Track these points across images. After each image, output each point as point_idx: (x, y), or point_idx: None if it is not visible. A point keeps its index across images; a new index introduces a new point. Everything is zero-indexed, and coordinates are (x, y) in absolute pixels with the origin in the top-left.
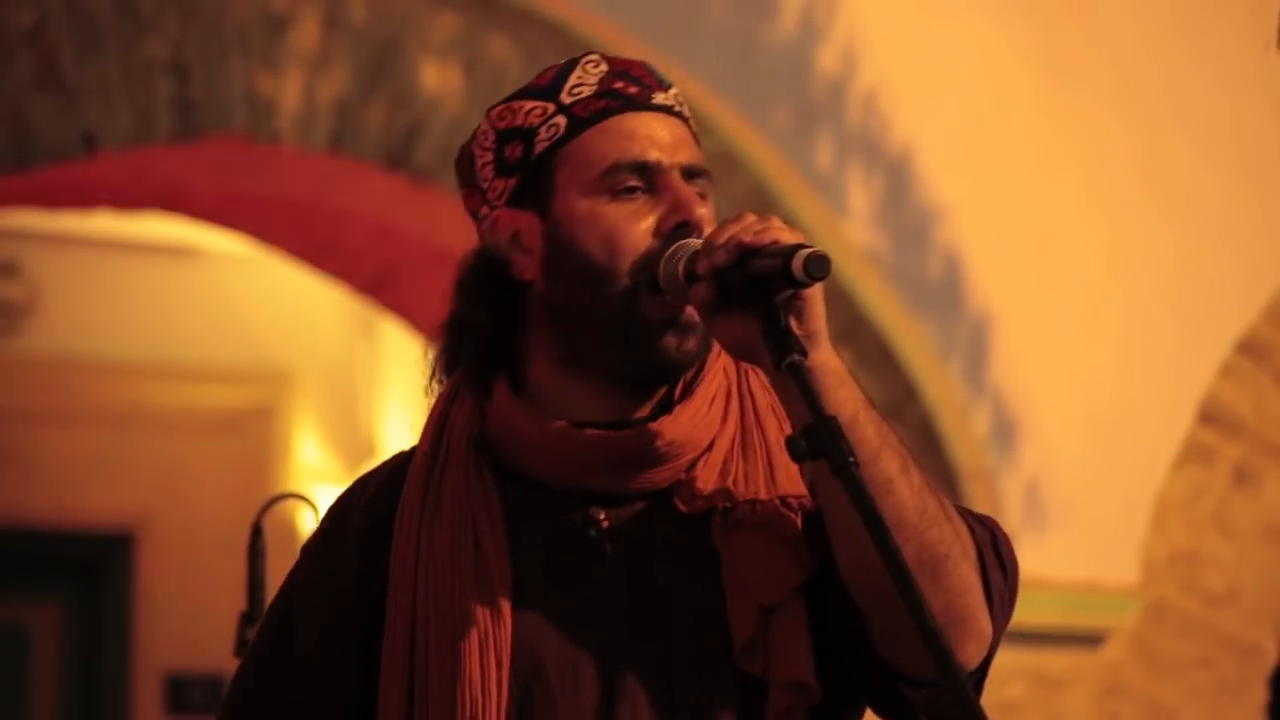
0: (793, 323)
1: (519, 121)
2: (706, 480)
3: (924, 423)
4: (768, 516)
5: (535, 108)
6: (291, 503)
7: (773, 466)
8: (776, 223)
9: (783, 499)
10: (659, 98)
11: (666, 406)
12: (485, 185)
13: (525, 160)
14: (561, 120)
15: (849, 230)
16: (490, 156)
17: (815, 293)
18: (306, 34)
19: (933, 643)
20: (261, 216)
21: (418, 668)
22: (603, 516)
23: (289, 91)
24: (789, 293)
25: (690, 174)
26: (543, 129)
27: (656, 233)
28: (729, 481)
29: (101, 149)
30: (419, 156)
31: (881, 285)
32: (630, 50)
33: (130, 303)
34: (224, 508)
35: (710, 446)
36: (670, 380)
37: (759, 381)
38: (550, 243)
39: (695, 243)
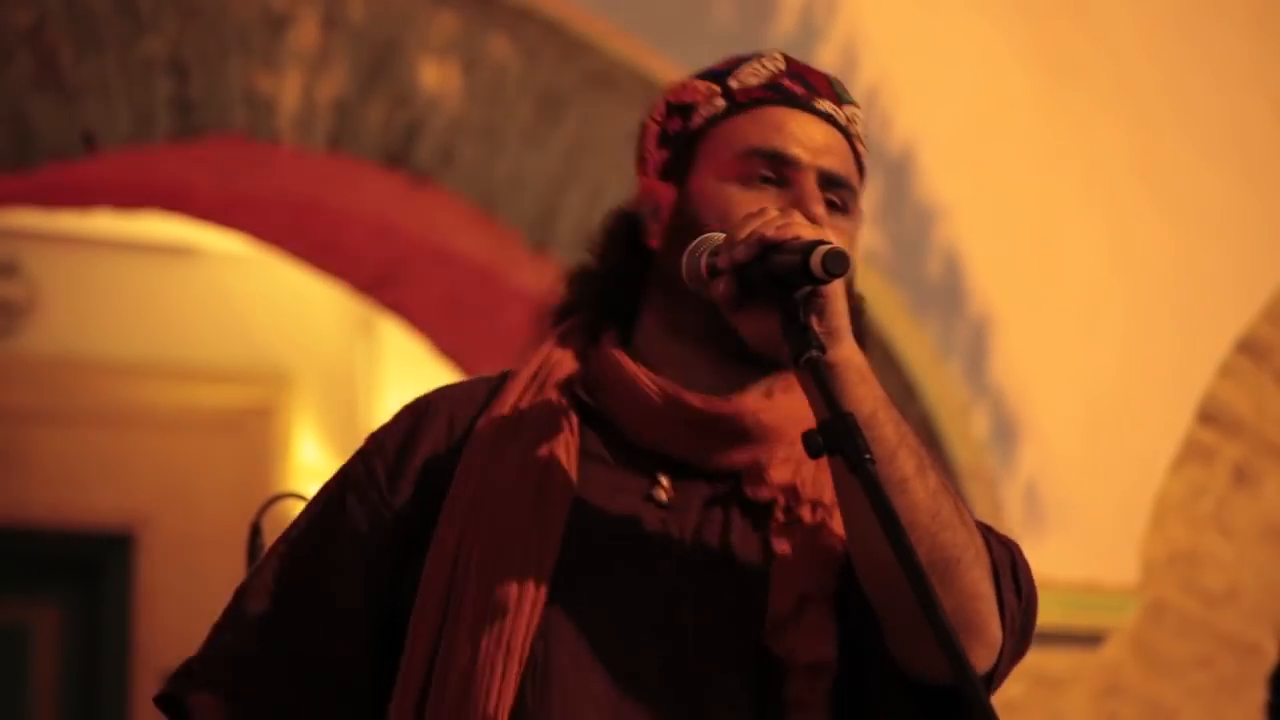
0: (813, 319)
1: (686, 97)
2: (780, 473)
3: (924, 422)
4: (826, 519)
5: (704, 86)
6: (291, 502)
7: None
8: (798, 218)
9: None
10: (824, 105)
11: (771, 394)
12: (648, 156)
13: (681, 132)
14: (721, 101)
15: None
16: (657, 128)
17: (836, 289)
18: (306, 33)
19: (946, 641)
20: (261, 216)
21: (456, 583)
22: (665, 484)
23: (288, 91)
24: (809, 289)
25: (831, 181)
26: (702, 106)
27: None
28: (798, 479)
29: (101, 148)
30: (418, 156)
31: (881, 285)
32: (629, 49)
33: (130, 302)
34: (224, 507)
35: (791, 442)
36: (768, 365)
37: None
38: (677, 214)
39: (718, 236)
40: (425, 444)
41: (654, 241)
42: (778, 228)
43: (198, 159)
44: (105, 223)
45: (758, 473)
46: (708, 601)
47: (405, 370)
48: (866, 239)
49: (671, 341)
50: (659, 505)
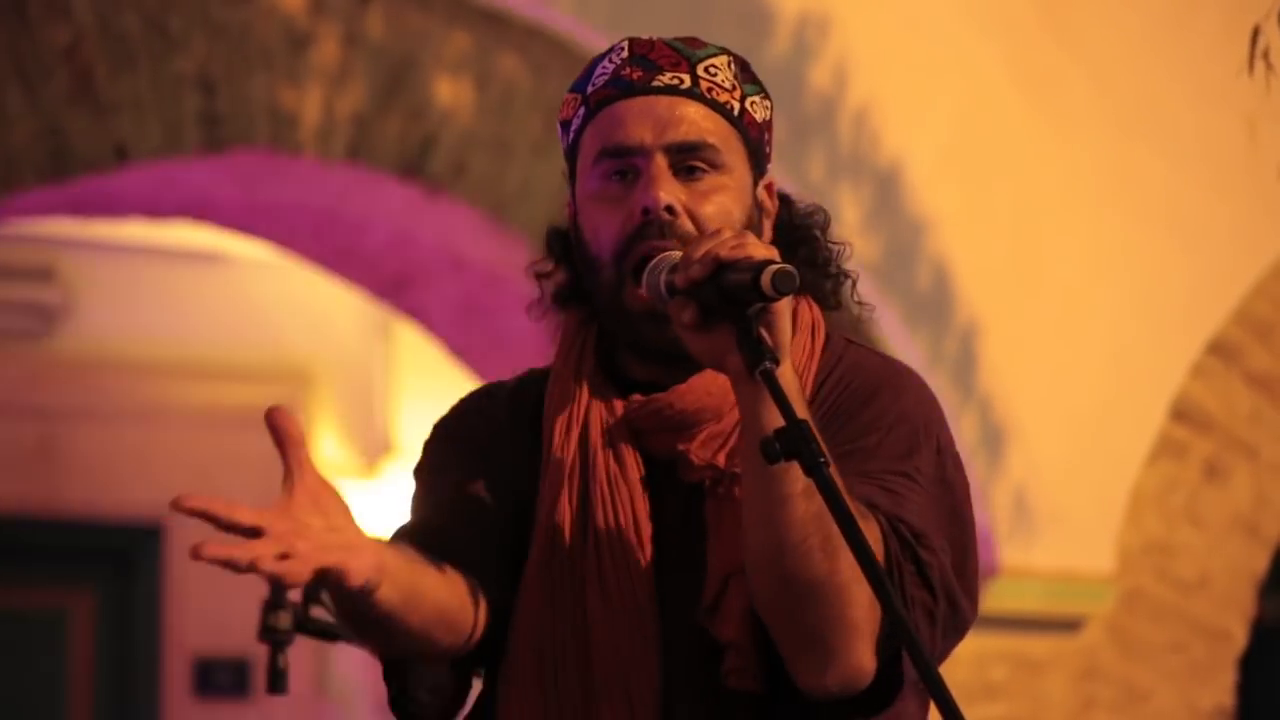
0: (763, 333)
1: (564, 113)
2: (702, 452)
3: None
4: None
5: (572, 99)
6: None
7: None
8: (750, 239)
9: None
10: (664, 78)
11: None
12: (566, 169)
13: (568, 149)
14: (582, 111)
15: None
16: (562, 143)
17: (783, 307)
18: (327, 51)
19: (904, 633)
20: (284, 224)
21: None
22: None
23: (310, 105)
24: (759, 306)
25: (684, 150)
26: (574, 120)
27: (629, 220)
28: (718, 455)
29: (133, 160)
30: (433, 167)
31: (873, 294)
32: None
33: (160, 305)
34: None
35: (720, 419)
36: (668, 358)
37: None
38: (573, 228)
39: (676, 255)
40: (495, 428)
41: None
42: (730, 248)
43: (224, 170)
44: (137, 230)
45: (683, 457)
46: (683, 587)
47: (420, 370)
48: (858, 250)
49: (617, 345)
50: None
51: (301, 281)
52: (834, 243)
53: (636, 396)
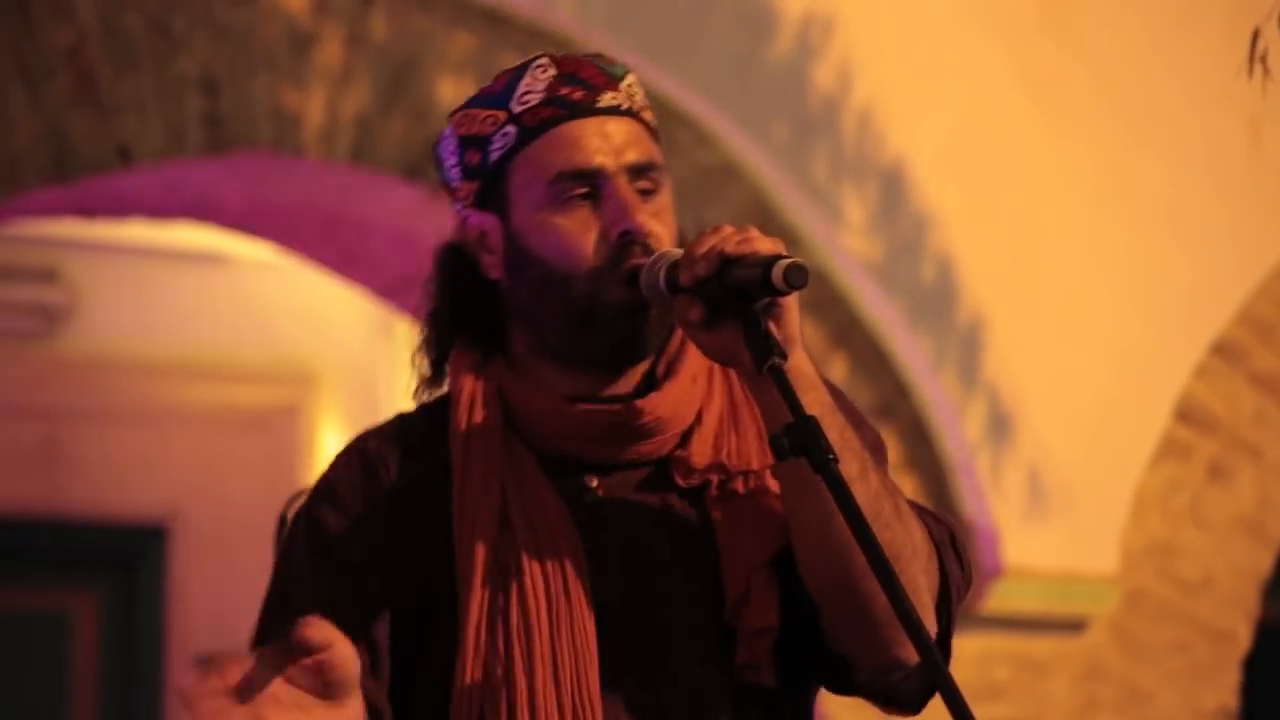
0: (771, 328)
1: (475, 129)
2: (701, 455)
3: (917, 422)
4: (760, 484)
5: (489, 116)
6: None
7: (762, 437)
8: (754, 233)
9: (772, 468)
10: (605, 99)
11: (650, 382)
12: (454, 185)
13: (483, 167)
14: (512, 130)
15: (845, 239)
16: (455, 160)
17: (791, 300)
18: (330, 52)
19: (913, 630)
20: (287, 225)
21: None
22: (595, 484)
23: (313, 106)
24: (767, 300)
25: (638, 171)
26: (496, 137)
27: (604, 240)
28: (723, 455)
29: (136, 161)
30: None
31: (879, 291)
32: (634, 66)
33: (164, 306)
34: (253, 500)
35: (700, 420)
36: (636, 360)
37: None
38: (511, 248)
39: (676, 252)
40: (384, 480)
41: (494, 273)
42: (736, 243)
43: (227, 171)
44: (140, 231)
45: (683, 461)
46: (674, 589)
47: None
48: (864, 248)
49: (540, 361)
50: (597, 500)
51: (305, 282)
52: None
53: (584, 406)
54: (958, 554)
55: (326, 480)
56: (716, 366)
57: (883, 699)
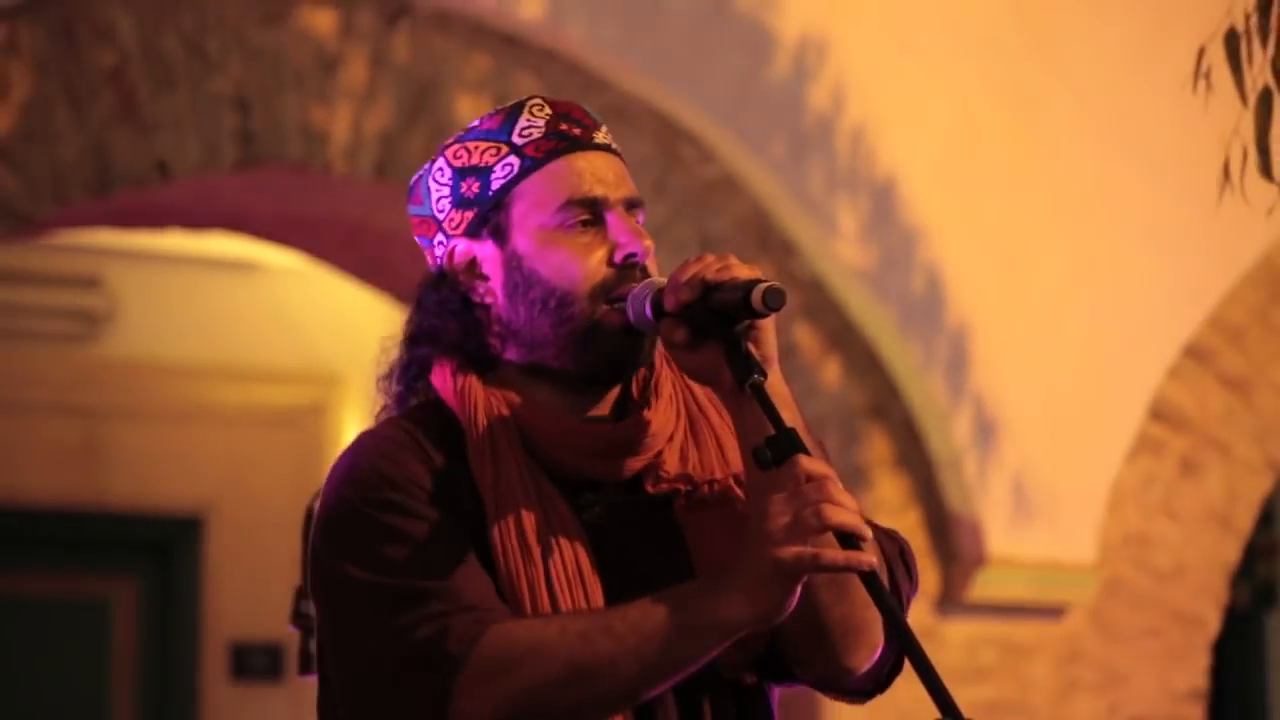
0: (751, 348)
1: (474, 160)
2: (671, 465)
3: (907, 421)
4: (724, 493)
5: (489, 148)
6: None
7: (722, 448)
8: (734, 260)
9: (735, 477)
10: (598, 137)
11: (622, 404)
12: (442, 216)
13: (482, 195)
14: (515, 160)
15: (839, 248)
16: (447, 190)
17: (769, 322)
18: (355, 73)
19: (897, 626)
20: (315, 235)
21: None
22: (593, 501)
23: (339, 124)
24: (747, 322)
25: (630, 205)
26: (498, 167)
27: (609, 263)
28: (689, 466)
29: (173, 176)
30: None
31: (870, 300)
32: (642, 86)
33: (199, 311)
34: (282, 494)
35: (670, 436)
36: (626, 378)
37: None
38: (511, 271)
39: (660, 281)
40: (427, 450)
41: (487, 299)
42: (717, 270)
43: (258, 185)
44: (177, 241)
45: (654, 470)
46: (654, 590)
47: None
48: (857, 257)
49: (531, 382)
50: (594, 517)
51: (331, 289)
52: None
53: (595, 424)
54: (908, 567)
55: (373, 459)
56: (675, 384)
57: (828, 692)
